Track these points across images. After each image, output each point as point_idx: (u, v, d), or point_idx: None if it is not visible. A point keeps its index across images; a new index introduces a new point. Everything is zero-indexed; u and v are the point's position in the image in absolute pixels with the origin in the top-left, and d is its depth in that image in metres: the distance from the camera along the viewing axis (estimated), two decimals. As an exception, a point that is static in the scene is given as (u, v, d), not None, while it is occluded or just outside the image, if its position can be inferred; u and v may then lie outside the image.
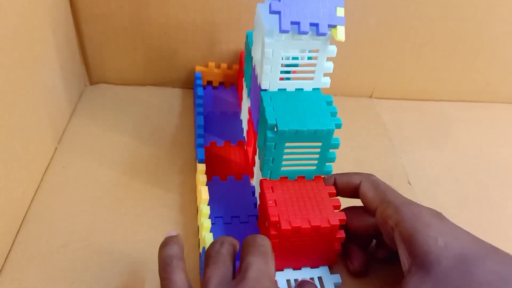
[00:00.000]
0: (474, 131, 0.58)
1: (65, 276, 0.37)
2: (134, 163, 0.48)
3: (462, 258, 0.30)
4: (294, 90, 0.38)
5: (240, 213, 0.41)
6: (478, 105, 0.62)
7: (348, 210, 0.39)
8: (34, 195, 0.43)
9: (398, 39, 0.57)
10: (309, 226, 0.34)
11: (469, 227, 0.44)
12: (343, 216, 0.35)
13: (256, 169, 0.41)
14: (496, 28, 0.56)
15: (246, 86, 0.47)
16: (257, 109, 0.39)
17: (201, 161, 0.43)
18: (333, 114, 0.36)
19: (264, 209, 0.37)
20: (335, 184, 0.39)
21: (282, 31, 0.33)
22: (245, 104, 0.48)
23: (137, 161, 0.48)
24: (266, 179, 0.38)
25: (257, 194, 0.42)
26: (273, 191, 0.37)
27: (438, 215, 0.34)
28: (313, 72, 0.37)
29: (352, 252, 0.39)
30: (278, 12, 0.33)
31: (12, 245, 0.39)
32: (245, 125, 0.49)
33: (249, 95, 0.45)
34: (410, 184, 0.49)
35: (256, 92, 0.40)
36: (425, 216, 0.33)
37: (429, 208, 0.34)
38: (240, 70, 0.54)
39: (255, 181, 0.43)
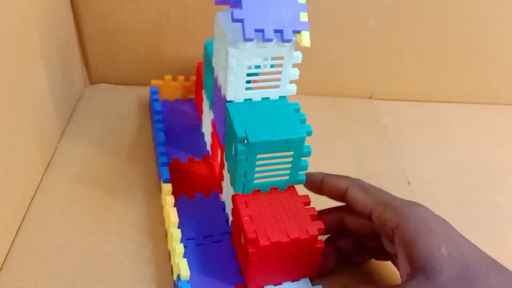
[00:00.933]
0: (473, 132, 0.58)
1: (65, 276, 0.37)
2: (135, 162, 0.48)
3: (465, 270, 0.30)
4: (260, 99, 0.36)
5: (212, 232, 0.39)
6: (477, 106, 0.62)
7: (345, 208, 0.38)
8: (34, 195, 0.43)
9: (397, 40, 0.57)
10: (288, 239, 0.33)
11: (467, 228, 0.44)
12: (321, 225, 0.34)
13: (226, 184, 0.40)
14: (496, 29, 0.57)
15: (207, 98, 0.45)
16: (222, 121, 0.37)
17: (165, 181, 0.41)
18: (302, 121, 0.35)
19: (239, 225, 0.35)
20: (321, 183, 0.38)
21: (246, 39, 0.31)
22: (207, 116, 0.46)
23: (137, 160, 0.48)
24: (238, 194, 0.36)
25: (228, 210, 0.40)
26: (247, 206, 0.35)
27: (443, 221, 0.33)
28: (279, 80, 0.36)
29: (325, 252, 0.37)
30: (241, 20, 0.31)
31: (11, 245, 0.39)
32: (208, 139, 0.47)
33: (211, 107, 0.43)
34: (409, 184, 0.49)
35: (221, 103, 0.38)
36: (429, 220, 0.32)
37: (433, 212, 0.33)
38: (197, 82, 0.51)
39: (224, 196, 0.42)
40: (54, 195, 0.44)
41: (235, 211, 0.36)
